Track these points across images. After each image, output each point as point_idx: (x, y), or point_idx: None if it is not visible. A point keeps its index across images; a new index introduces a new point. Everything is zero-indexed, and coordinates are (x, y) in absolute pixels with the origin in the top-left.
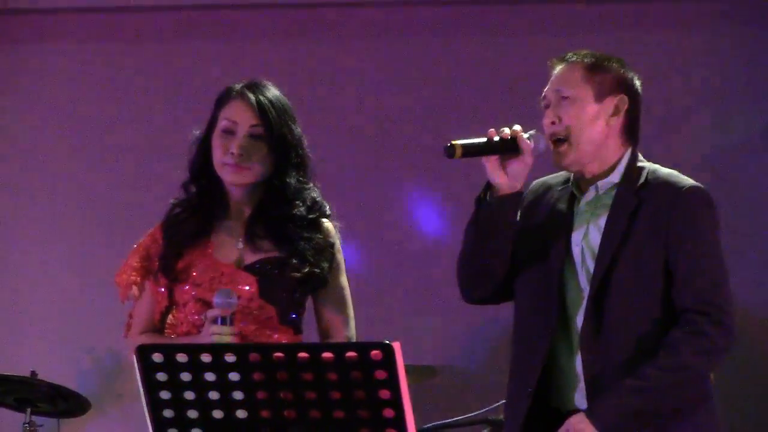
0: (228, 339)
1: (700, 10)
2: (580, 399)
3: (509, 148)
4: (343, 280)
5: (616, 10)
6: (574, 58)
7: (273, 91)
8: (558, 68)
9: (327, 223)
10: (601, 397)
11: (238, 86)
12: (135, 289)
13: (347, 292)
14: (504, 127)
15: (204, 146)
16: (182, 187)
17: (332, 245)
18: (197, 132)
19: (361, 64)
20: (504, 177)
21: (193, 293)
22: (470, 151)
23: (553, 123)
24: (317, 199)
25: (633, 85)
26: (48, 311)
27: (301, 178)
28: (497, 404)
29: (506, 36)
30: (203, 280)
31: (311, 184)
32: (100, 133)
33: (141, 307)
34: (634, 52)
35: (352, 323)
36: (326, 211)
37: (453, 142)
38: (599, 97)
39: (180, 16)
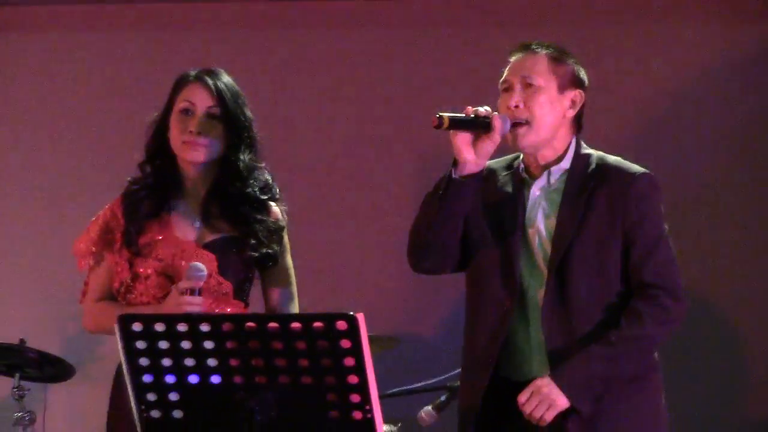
0: (198, 309)
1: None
2: (534, 370)
3: (483, 126)
4: (289, 260)
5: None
6: (538, 49)
7: (226, 77)
8: (520, 55)
9: (276, 206)
10: (566, 362)
11: (193, 72)
12: (91, 259)
13: (292, 271)
14: (479, 108)
15: (160, 128)
16: (139, 167)
17: (282, 228)
18: (154, 115)
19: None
20: (472, 154)
21: (156, 268)
22: (455, 123)
23: (517, 107)
24: (269, 181)
25: (584, 82)
26: (34, 282)
27: (253, 157)
28: (455, 372)
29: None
30: (165, 256)
31: (263, 165)
32: (81, 116)
33: (98, 276)
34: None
35: (296, 300)
36: (276, 194)
37: (441, 114)
38: (561, 89)
39: (169, 8)
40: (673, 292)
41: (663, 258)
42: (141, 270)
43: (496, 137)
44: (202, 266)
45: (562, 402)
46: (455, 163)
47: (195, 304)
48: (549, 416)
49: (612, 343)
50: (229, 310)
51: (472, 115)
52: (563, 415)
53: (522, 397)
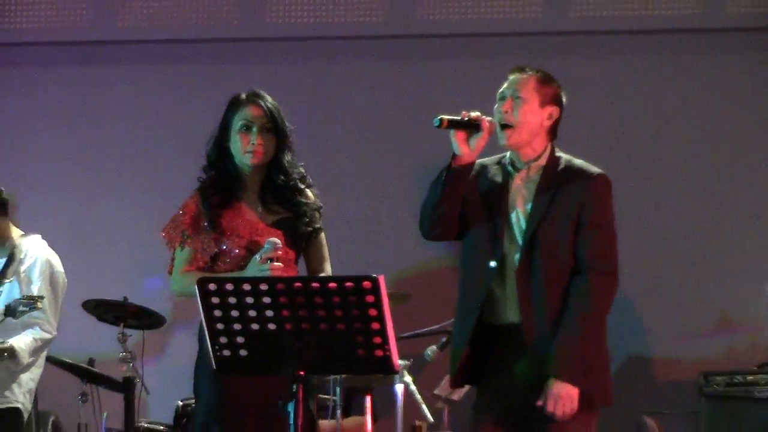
0: (279, 273)
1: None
2: (510, 316)
3: (474, 126)
4: (324, 236)
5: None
6: (530, 71)
7: (270, 98)
8: (516, 75)
9: (311, 192)
10: (554, 362)
11: (244, 95)
12: (178, 240)
13: (326, 242)
14: (471, 112)
15: (220, 140)
16: (203, 170)
17: (320, 207)
18: (215, 133)
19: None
20: (467, 148)
21: (240, 244)
22: (451, 123)
23: (506, 112)
24: (304, 173)
25: (563, 101)
26: (132, 254)
27: (292, 156)
28: (452, 320)
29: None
30: (245, 234)
31: (298, 162)
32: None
33: (185, 253)
34: None
35: (330, 264)
36: (310, 182)
37: (442, 117)
38: (542, 105)
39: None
40: (609, 269)
41: (605, 242)
42: (226, 246)
43: (485, 135)
44: (278, 240)
45: (575, 392)
46: (454, 155)
47: (276, 269)
48: (574, 408)
49: (580, 330)
50: (290, 273)
51: (466, 118)
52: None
53: (550, 406)
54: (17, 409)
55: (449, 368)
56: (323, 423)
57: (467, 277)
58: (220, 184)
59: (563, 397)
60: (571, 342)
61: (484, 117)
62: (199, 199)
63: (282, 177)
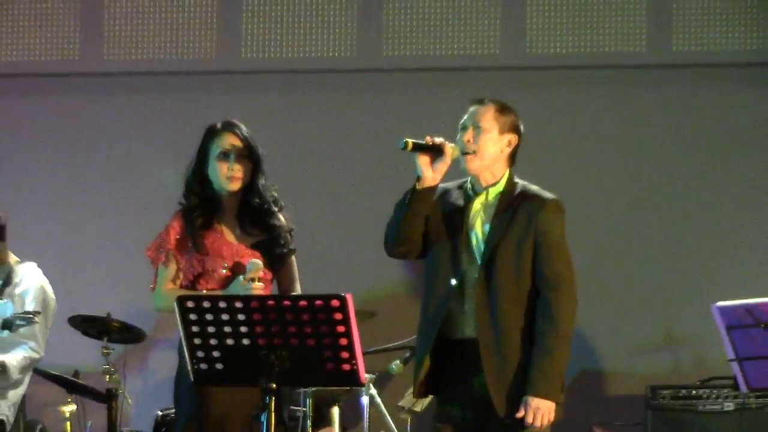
0: (261, 292)
1: None
2: (467, 331)
3: (438, 151)
4: (293, 257)
5: None
6: (488, 102)
7: (243, 126)
8: (476, 106)
9: (282, 214)
10: (532, 380)
11: (220, 124)
12: (163, 259)
13: (295, 263)
14: (435, 137)
15: (198, 167)
16: (183, 196)
17: (291, 230)
18: (191, 160)
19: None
20: (431, 171)
21: (221, 264)
22: (416, 147)
23: (468, 141)
24: (276, 196)
25: (520, 129)
26: (116, 272)
27: (266, 182)
28: (414, 336)
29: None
30: (228, 254)
31: (271, 184)
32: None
33: (169, 271)
34: None
35: (299, 284)
36: (282, 205)
37: (407, 140)
38: (501, 133)
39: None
40: (570, 290)
41: (562, 263)
42: (209, 266)
43: (447, 160)
44: (259, 262)
45: (552, 406)
46: (418, 178)
47: (259, 288)
48: (551, 419)
49: (551, 350)
50: (267, 292)
51: (430, 143)
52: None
53: (529, 419)
54: (2, 422)
55: (412, 380)
56: None
57: (429, 293)
58: (202, 208)
59: (542, 409)
60: (545, 360)
61: (446, 142)
62: (182, 221)
63: (257, 200)
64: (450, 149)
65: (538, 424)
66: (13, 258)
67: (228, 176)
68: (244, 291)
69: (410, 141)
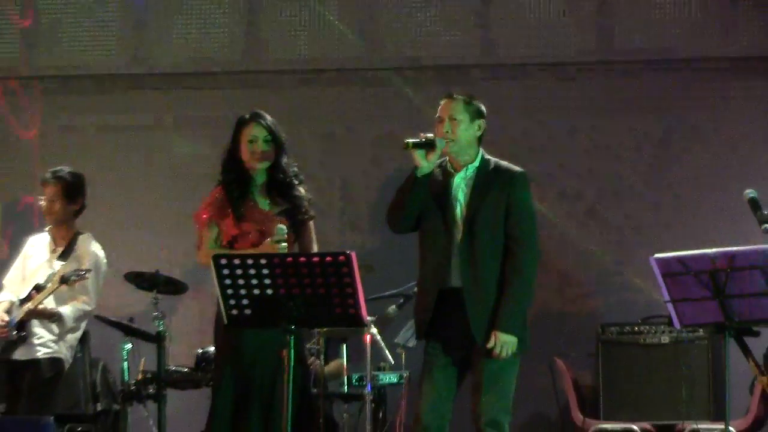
0: (285, 251)
1: None
2: (454, 281)
3: (431, 145)
4: (312, 221)
5: None
6: (457, 96)
7: (268, 116)
8: (447, 100)
9: (302, 187)
10: (499, 318)
11: (248, 116)
12: (207, 222)
13: (313, 227)
14: (426, 134)
15: (232, 150)
16: (221, 174)
17: (309, 199)
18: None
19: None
20: (426, 162)
21: (254, 227)
22: (415, 145)
23: (446, 132)
24: (297, 172)
25: (485, 115)
26: (164, 234)
27: (287, 159)
28: (409, 285)
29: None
30: (258, 220)
31: (292, 162)
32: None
33: (211, 233)
34: None
35: (316, 244)
36: (302, 179)
37: (407, 141)
38: (471, 120)
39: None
40: (535, 246)
41: (527, 223)
42: (245, 228)
43: (438, 151)
44: (285, 227)
45: (515, 340)
46: (416, 168)
47: (283, 249)
48: (513, 350)
49: (513, 296)
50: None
51: (424, 139)
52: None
53: (496, 350)
54: (61, 359)
55: (415, 324)
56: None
57: (426, 253)
58: (237, 182)
59: (507, 343)
60: (510, 304)
61: (435, 138)
62: (223, 192)
63: (281, 176)
64: (438, 143)
65: (504, 354)
66: (74, 225)
67: (254, 157)
68: (272, 251)
69: (410, 141)
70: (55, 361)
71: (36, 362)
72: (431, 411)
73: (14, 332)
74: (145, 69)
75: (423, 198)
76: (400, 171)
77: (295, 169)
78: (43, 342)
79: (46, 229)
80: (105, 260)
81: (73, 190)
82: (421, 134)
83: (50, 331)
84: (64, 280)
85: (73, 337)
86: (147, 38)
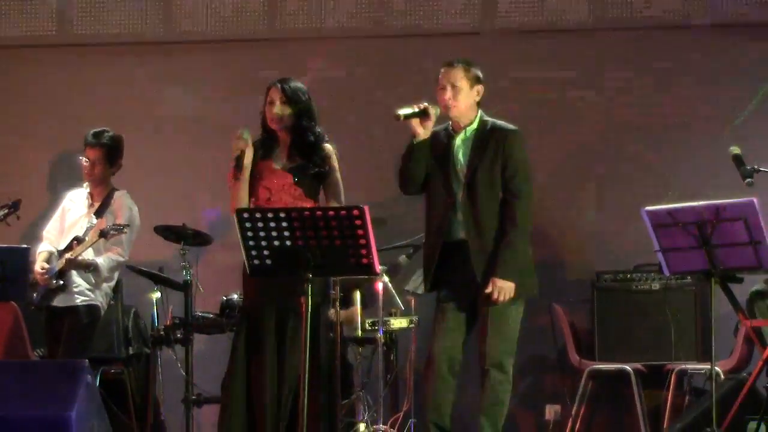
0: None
1: None
2: (459, 234)
3: (424, 113)
4: (337, 174)
5: None
6: (456, 64)
7: (293, 82)
8: (448, 68)
9: (328, 145)
10: (496, 266)
11: (272, 81)
12: (234, 179)
13: (340, 182)
14: (420, 103)
15: (263, 112)
16: (262, 133)
17: (329, 156)
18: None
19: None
20: (422, 129)
21: (263, 184)
22: (408, 116)
23: (448, 98)
24: (320, 132)
25: (483, 80)
26: (194, 189)
27: (310, 123)
28: (417, 236)
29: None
30: (267, 176)
31: (316, 125)
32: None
33: (238, 188)
34: None
35: (342, 197)
36: (325, 138)
37: (398, 113)
38: (470, 86)
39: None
40: (528, 199)
41: (522, 177)
42: (256, 185)
43: (432, 119)
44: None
45: (512, 285)
46: (414, 136)
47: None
48: (511, 295)
49: (510, 244)
50: (302, 204)
51: (417, 109)
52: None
53: (494, 295)
54: (97, 306)
55: (423, 275)
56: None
57: (431, 210)
58: (262, 142)
59: (504, 288)
60: (507, 252)
61: (429, 105)
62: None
63: (301, 137)
64: (432, 110)
65: (502, 298)
66: (111, 183)
67: (270, 118)
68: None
69: (401, 114)
70: (92, 308)
71: (74, 309)
72: (443, 352)
73: (54, 281)
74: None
75: (425, 163)
76: (406, 131)
77: (319, 130)
78: (81, 290)
79: (85, 185)
80: (138, 215)
81: (113, 154)
82: (415, 105)
83: (87, 281)
84: (102, 233)
85: (107, 286)
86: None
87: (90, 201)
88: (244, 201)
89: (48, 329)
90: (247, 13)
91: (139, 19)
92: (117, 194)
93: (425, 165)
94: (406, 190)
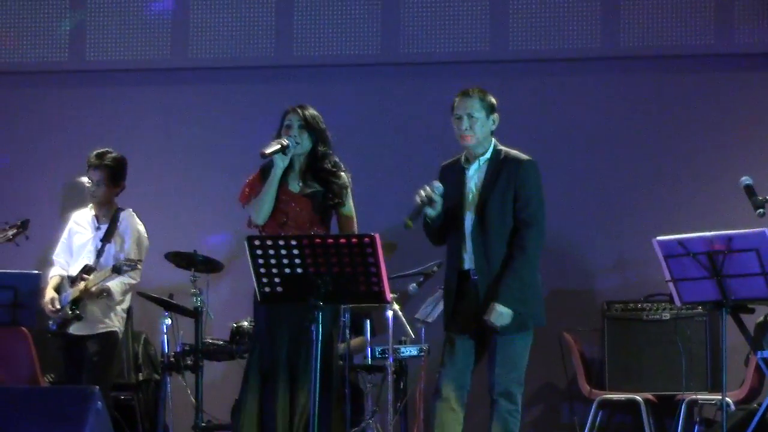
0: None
1: None
2: (467, 263)
3: (429, 203)
4: (351, 203)
5: None
6: (472, 93)
7: (310, 109)
8: (463, 98)
9: (344, 174)
10: (497, 291)
11: (291, 106)
12: (249, 201)
13: (353, 211)
14: (421, 189)
15: (278, 134)
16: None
17: (346, 186)
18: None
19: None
20: (433, 210)
21: (277, 207)
22: (416, 215)
23: (465, 129)
24: (337, 161)
25: (497, 109)
26: (199, 218)
27: (326, 150)
28: (430, 264)
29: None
30: (283, 199)
31: (332, 153)
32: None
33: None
34: None
35: (355, 226)
36: (342, 167)
37: (406, 220)
38: (487, 116)
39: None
40: (541, 228)
41: (535, 207)
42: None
43: (438, 200)
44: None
45: (509, 311)
46: (425, 216)
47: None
48: (507, 321)
49: (515, 270)
50: (316, 230)
51: (421, 201)
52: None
53: (491, 319)
54: (115, 332)
55: (444, 310)
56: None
57: (448, 240)
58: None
59: (503, 315)
60: (509, 279)
61: (431, 192)
62: (259, 176)
63: (318, 163)
64: (436, 199)
65: (498, 323)
66: (116, 203)
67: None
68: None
69: (409, 221)
70: (110, 335)
71: (92, 337)
72: (450, 382)
73: (69, 312)
74: (187, 63)
75: (441, 222)
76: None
77: (335, 159)
78: (97, 318)
79: (89, 206)
80: (146, 235)
81: (117, 175)
82: (417, 198)
83: (101, 307)
84: (116, 269)
85: (121, 309)
86: (187, 33)
87: (96, 223)
88: (267, 212)
89: (67, 356)
90: (258, 40)
91: (150, 46)
92: (123, 215)
93: (439, 223)
94: (435, 243)
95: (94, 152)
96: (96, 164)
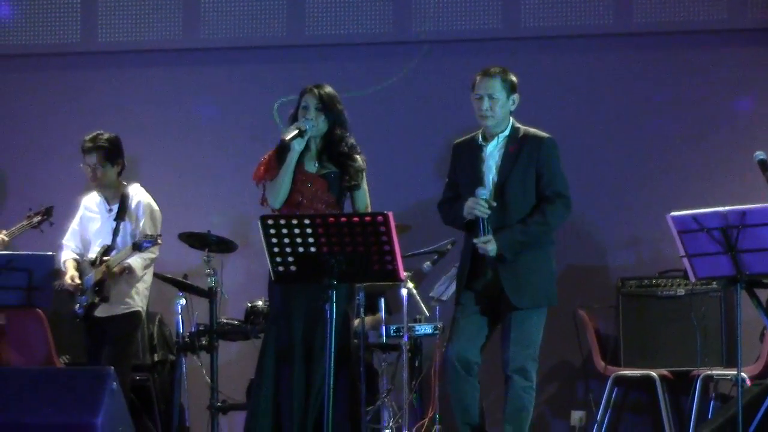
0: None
1: None
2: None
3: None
4: (365, 185)
5: None
6: (494, 73)
7: (327, 87)
8: (484, 77)
9: (359, 156)
10: (501, 231)
11: (308, 86)
12: (264, 181)
13: (367, 192)
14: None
15: (294, 116)
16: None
17: (362, 169)
18: (293, 112)
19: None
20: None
21: (293, 187)
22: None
23: (486, 110)
24: (353, 143)
25: (517, 89)
26: (214, 199)
27: (343, 132)
28: (443, 242)
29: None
30: (299, 179)
31: (350, 135)
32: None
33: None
34: None
35: (369, 206)
36: (358, 149)
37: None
38: (508, 96)
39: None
40: (564, 201)
41: (560, 183)
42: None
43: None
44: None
45: (494, 248)
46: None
47: None
48: (492, 250)
49: (527, 224)
50: (331, 211)
51: (471, 217)
52: (498, 259)
53: (481, 244)
54: (138, 312)
55: (457, 276)
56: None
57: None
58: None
59: (490, 249)
60: (517, 227)
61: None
62: (275, 155)
63: (334, 145)
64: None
65: (479, 248)
66: (121, 182)
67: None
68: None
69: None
70: (133, 315)
71: (114, 318)
72: (455, 353)
73: (95, 296)
74: (196, 44)
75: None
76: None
77: (352, 141)
78: (120, 299)
79: (95, 190)
80: (157, 207)
81: (112, 154)
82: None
83: (124, 287)
84: (136, 246)
85: (144, 287)
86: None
87: (107, 205)
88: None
89: (89, 336)
90: (269, 20)
91: (163, 27)
92: (131, 191)
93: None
94: (452, 226)
95: (86, 137)
96: (90, 147)
